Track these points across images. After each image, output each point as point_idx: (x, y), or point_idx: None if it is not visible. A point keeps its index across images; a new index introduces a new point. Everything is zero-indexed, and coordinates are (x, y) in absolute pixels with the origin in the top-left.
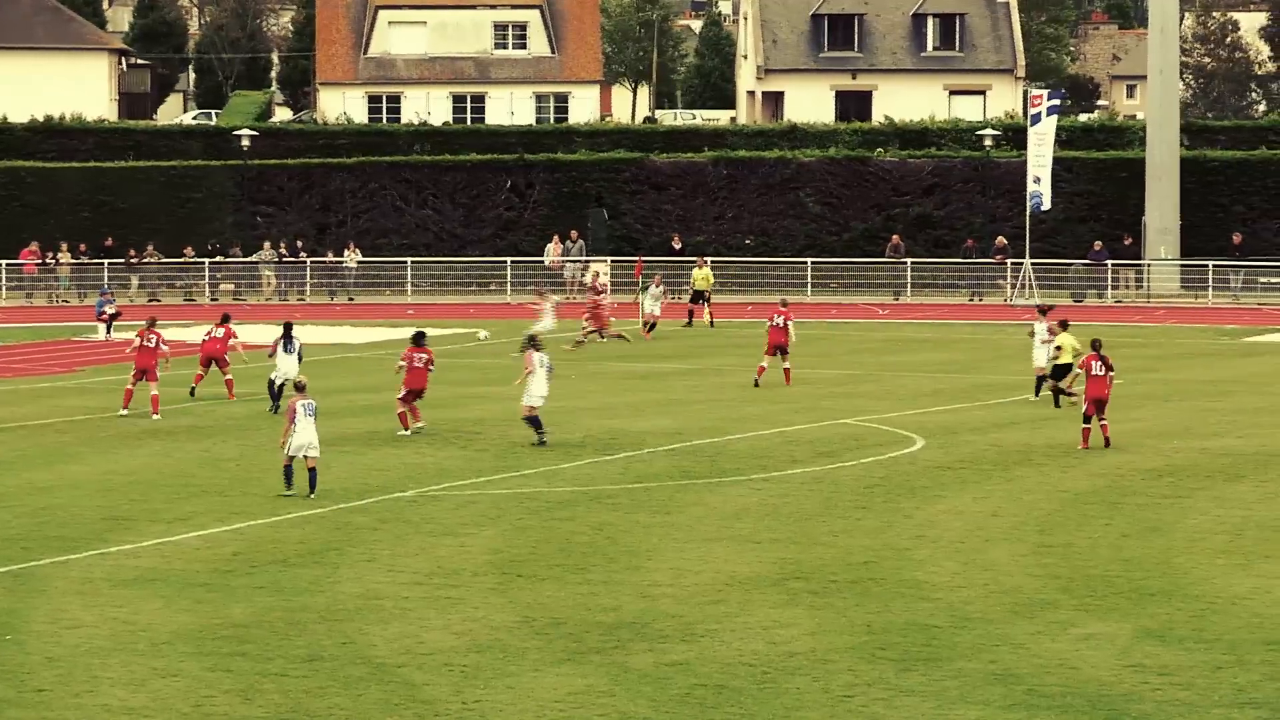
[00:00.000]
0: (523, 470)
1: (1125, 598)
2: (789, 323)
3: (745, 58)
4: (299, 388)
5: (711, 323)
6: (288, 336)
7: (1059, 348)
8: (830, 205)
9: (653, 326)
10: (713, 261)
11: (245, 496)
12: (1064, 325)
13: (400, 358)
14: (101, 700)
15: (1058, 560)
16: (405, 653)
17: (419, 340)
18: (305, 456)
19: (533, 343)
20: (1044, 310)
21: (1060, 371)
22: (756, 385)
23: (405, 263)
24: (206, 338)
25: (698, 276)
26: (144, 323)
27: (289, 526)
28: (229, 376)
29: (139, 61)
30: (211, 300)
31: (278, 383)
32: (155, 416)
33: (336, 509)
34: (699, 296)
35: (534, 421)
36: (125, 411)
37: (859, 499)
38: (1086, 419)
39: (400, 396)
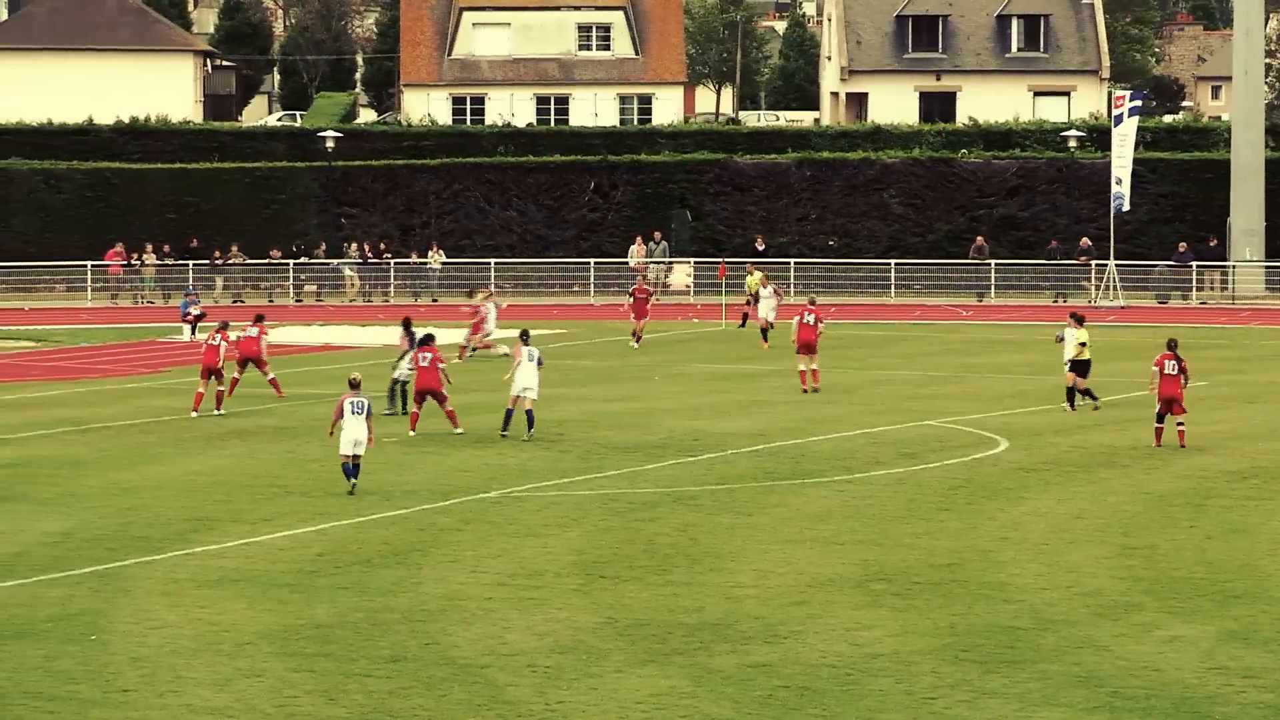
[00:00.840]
0: (606, 471)
1: (1209, 600)
2: (820, 322)
3: (829, 59)
4: (353, 385)
5: (743, 323)
6: (410, 333)
7: (1083, 344)
8: (914, 206)
9: (766, 331)
10: (796, 263)
11: (329, 497)
12: (1080, 321)
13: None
14: (186, 700)
15: (1141, 562)
16: (488, 653)
17: (427, 341)
18: (353, 455)
19: (523, 336)
20: (1079, 319)
21: (1081, 368)
22: (806, 392)
23: (489, 264)
24: (242, 336)
25: (751, 283)
26: (215, 325)
27: (373, 527)
28: (271, 376)
29: (224, 63)
30: (296, 301)
31: (401, 380)
32: (218, 412)
33: (420, 510)
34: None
35: (508, 415)
36: (195, 414)
37: (942, 500)
38: (1159, 417)
39: (413, 397)
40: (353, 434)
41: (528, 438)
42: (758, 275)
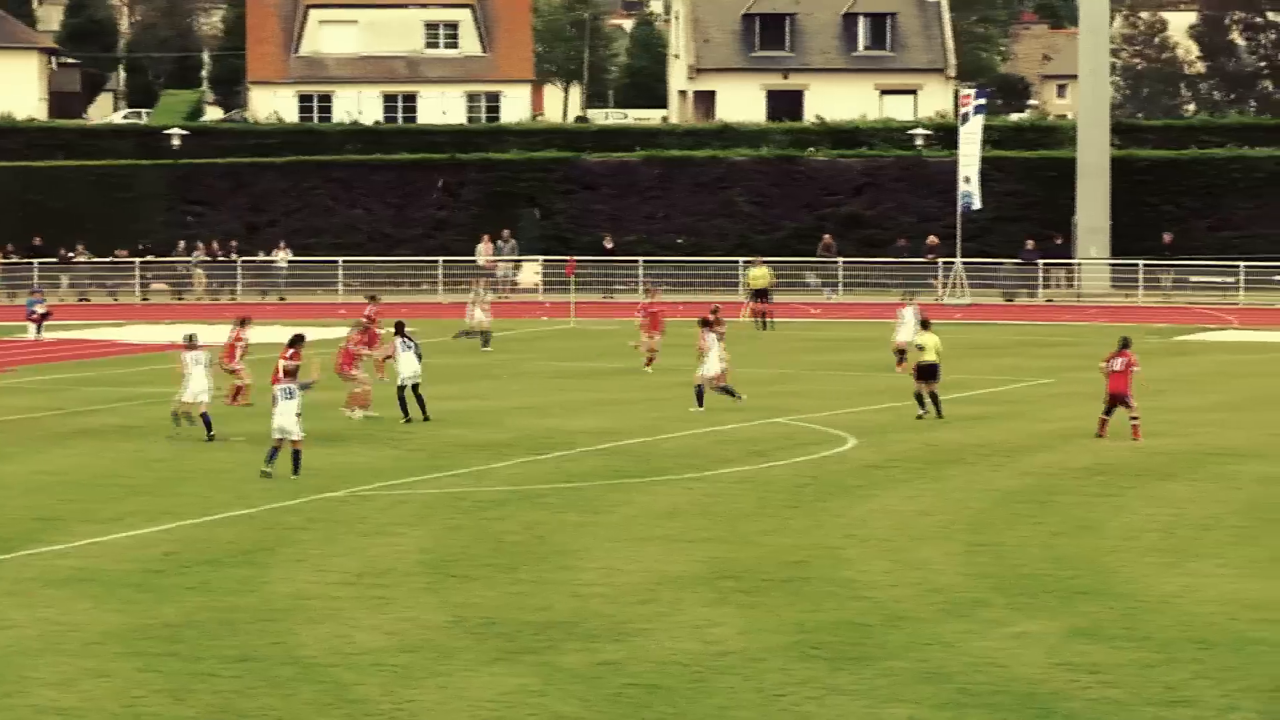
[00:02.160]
0: (454, 470)
1: (1055, 596)
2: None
3: (677, 57)
4: (288, 373)
5: (762, 323)
6: (403, 335)
7: (921, 347)
8: (761, 204)
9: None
10: (644, 261)
11: (176, 496)
12: (926, 325)
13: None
14: (31, 701)
15: (988, 559)
16: (336, 653)
17: (295, 343)
18: (289, 440)
19: (397, 328)
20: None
21: (930, 371)
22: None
23: (337, 262)
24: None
25: (755, 275)
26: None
27: (220, 526)
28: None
29: (69, 60)
30: (142, 300)
31: (406, 386)
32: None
33: (268, 509)
34: (761, 295)
35: (403, 402)
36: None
37: (790, 498)
38: (1107, 410)
39: None
40: (281, 420)
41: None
42: (761, 270)
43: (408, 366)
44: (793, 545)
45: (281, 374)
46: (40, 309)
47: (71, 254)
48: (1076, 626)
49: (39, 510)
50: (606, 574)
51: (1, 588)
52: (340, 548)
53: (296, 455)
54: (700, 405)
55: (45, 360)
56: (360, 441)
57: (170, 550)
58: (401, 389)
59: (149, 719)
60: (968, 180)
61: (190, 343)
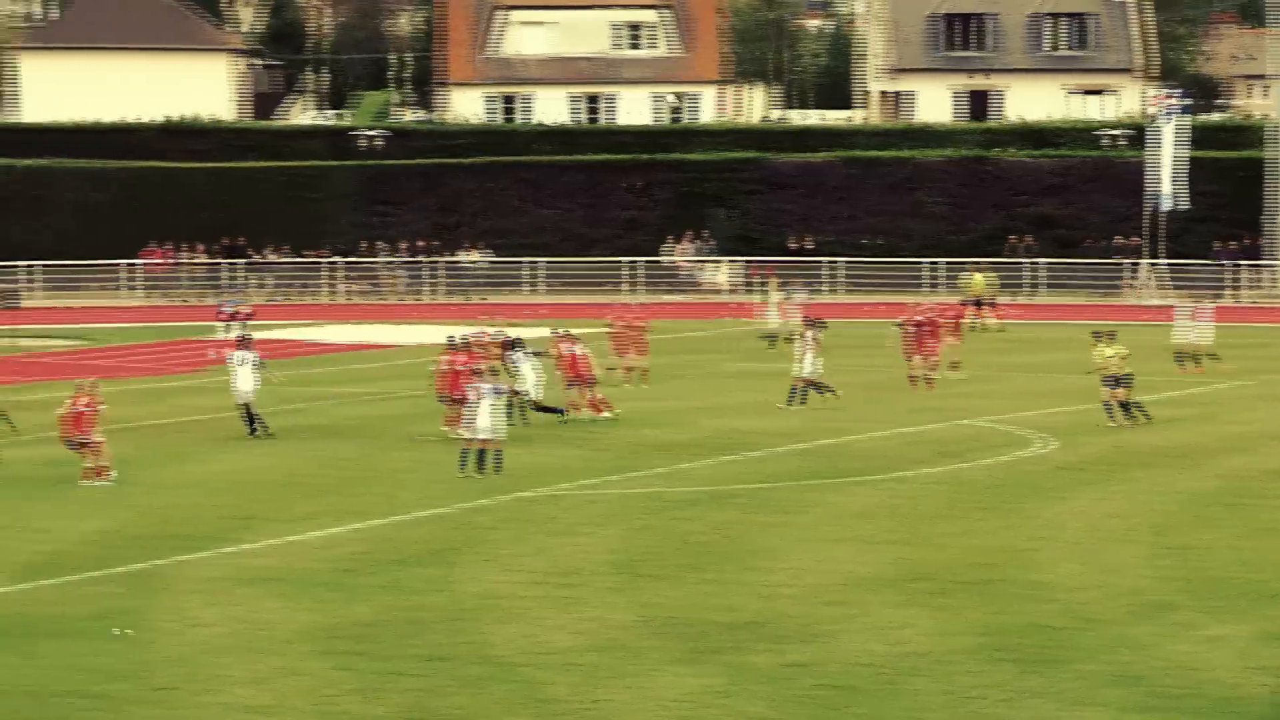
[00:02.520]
0: (644, 470)
1: (1246, 599)
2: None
3: (870, 57)
4: (480, 373)
5: (981, 326)
6: (517, 347)
7: (1114, 356)
8: (950, 205)
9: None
10: (829, 262)
11: (366, 496)
12: (1112, 336)
13: None
14: (224, 699)
15: (1178, 562)
16: (525, 652)
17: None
18: (493, 441)
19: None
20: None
21: (1123, 380)
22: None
23: (528, 262)
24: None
25: (973, 281)
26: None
27: (409, 526)
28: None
29: (264, 62)
30: (336, 300)
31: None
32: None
33: (458, 508)
34: (978, 302)
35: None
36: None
37: (981, 500)
38: None
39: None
40: (484, 421)
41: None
42: (980, 276)
43: (528, 379)
44: (982, 547)
45: (478, 374)
46: (231, 309)
47: (264, 254)
48: (1268, 630)
49: (231, 510)
50: (795, 575)
51: (194, 587)
52: (530, 547)
53: (498, 455)
54: (795, 404)
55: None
56: (550, 442)
57: (361, 549)
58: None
59: (341, 717)
60: (1160, 181)
61: (242, 343)
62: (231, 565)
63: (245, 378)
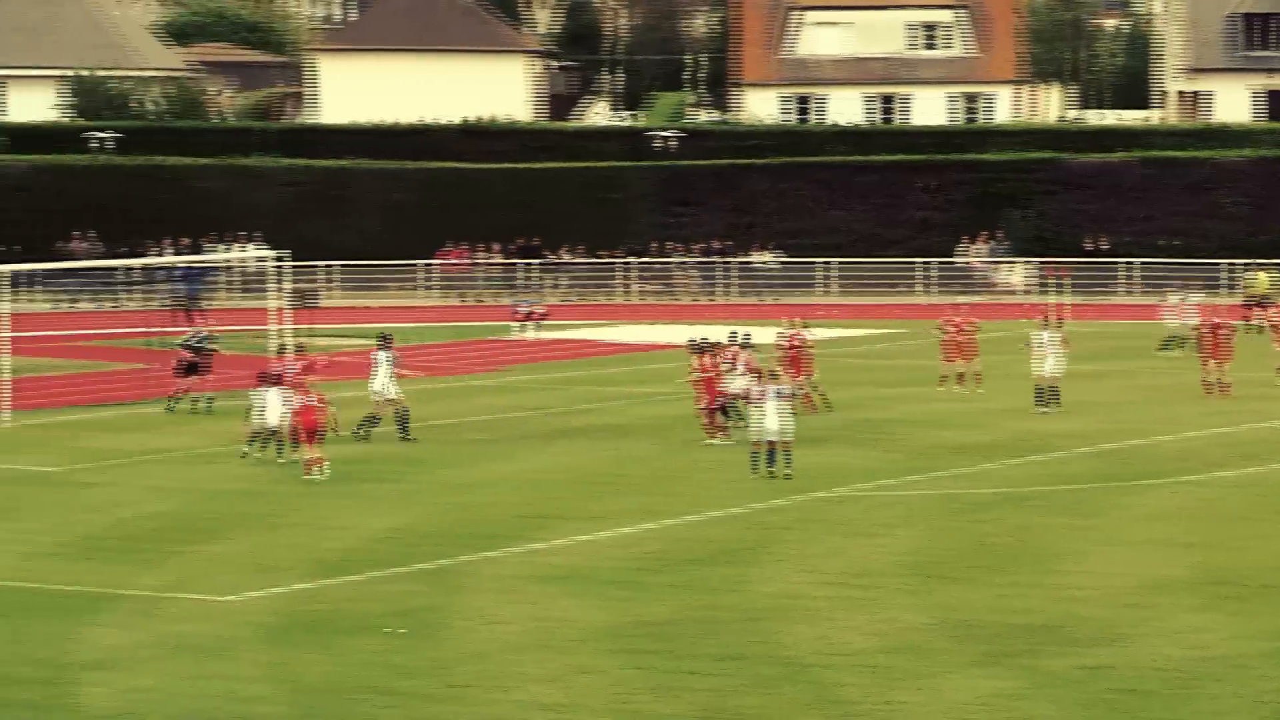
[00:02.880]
0: (941, 471)
1: None
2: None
3: (1167, 56)
4: (773, 375)
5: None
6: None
7: None
8: (1250, 206)
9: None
10: (1125, 263)
11: (662, 495)
12: None
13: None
14: (519, 696)
15: None
16: (819, 653)
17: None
18: (781, 440)
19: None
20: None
21: None
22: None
23: (822, 263)
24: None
25: (1256, 281)
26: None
27: (706, 526)
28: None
29: (561, 63)
30: (631, 300)
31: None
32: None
33: (753, 508)
34: (1261, 302)
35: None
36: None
37: None
38: None
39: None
40: (773, 423)
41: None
42: (1264, 275)
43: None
44: None
45: (771, 375)
46: (527, 309)
47: (561, 255)
48: None
49: (529, 508)
50: (1094, 578)
51: (492, 585)
52: (825, 548)
53: (788, 456)
54: (1043, 406)
55: (535, 360)
56: (846, 443)
57: (657, 549)
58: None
59: (636, 716)
60: None
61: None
62: (528, 563)
63: (380, 379)
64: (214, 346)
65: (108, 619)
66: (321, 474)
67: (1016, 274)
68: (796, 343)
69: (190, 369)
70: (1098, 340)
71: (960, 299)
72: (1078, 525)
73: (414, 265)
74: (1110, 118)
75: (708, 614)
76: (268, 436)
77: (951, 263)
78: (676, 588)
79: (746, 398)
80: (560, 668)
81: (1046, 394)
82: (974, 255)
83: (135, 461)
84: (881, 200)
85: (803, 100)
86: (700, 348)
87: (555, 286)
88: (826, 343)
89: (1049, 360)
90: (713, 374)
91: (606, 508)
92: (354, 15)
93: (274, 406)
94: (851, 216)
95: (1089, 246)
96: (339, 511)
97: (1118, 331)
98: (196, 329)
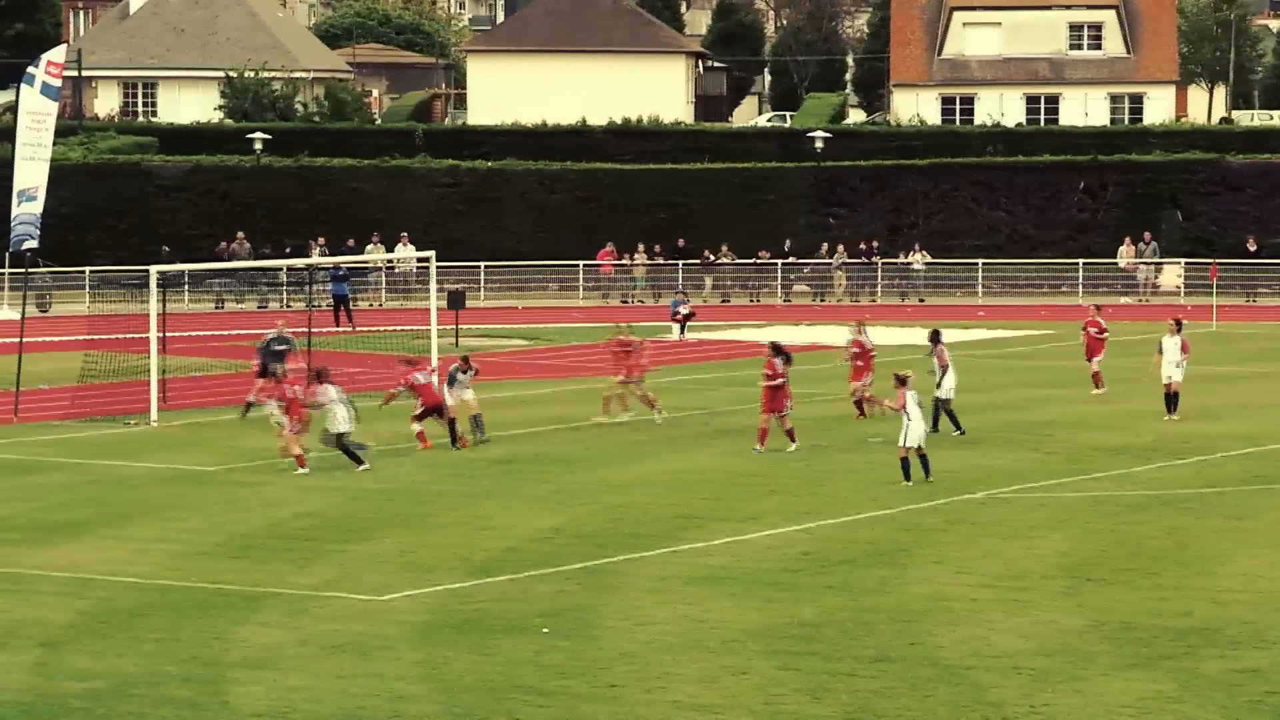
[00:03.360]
0: (1093, 473)
1: None
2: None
3: None
4: (902, 380)
5: None
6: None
7: None
8: None
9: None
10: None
11: (814, 496)
12: None
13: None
14: (673, 696)
15: None
16: (973, 655)
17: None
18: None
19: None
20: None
21: None
22: None
23: (976, 264)
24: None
25: None
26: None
27: (859, 527)
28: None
29: (715, 64)
30: (783, 301)
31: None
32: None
33: (906, 510)
34: None
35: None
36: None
37: None
38: None
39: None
40: (919, 429)
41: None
42: None
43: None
44: None
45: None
46: (684, 309)
47: (715, 255)
48: None
49: (681, 509)
50: (1249, 580)
51: (645, 585)
52: (978, 550)
53: (924, 460)
54: (1171, 412)
55: (688, 360)
56: (998, 444)
57: (809, 549)
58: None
59: (788, 717)
60: None
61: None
62: (681, 563)
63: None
64: (284, 348)
65: (261, 618)
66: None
67: (1174, 275)
68: (856, 349)
69: (263, 372)
70: (1249, 342)
71: (1120, 300)
72: (1230, 527)
73: (568, 266)
74: (1270, 118)
75: (860, 615)
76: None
77: (1108, 263)
78: (829, 588)
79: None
80: (712, 668)
81: (1171, 400)
82: (1131, 256)
83: (289, 461)
84: (1038, 201)
85: (962, 101)
86: (777, 349)
87: (714, 287)
88: (980, 344)
89: (1172, 366)
90: (783, 379)
91: (758, 508)
92: (500, 16)
93: (340, 415)
94: (1009, 218)
95: (1252, 248)
96: (492, 511)
97: (1268, 333)
98: (278, 331)
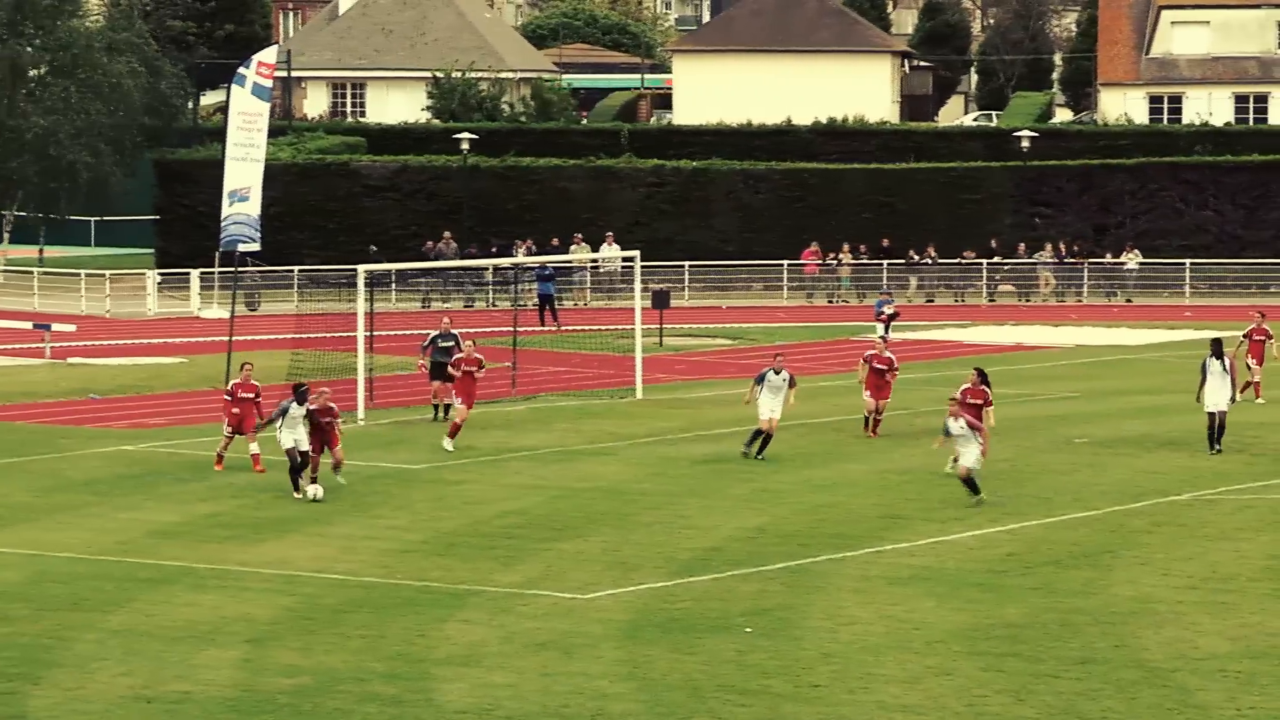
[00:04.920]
0: None
1: None
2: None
3: None
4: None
5: None
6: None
7: None
8: None
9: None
10: None
11: (1019, 497)
12: None
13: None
14: (876, 697)
15: None
16: (1179, 657)
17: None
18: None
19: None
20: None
21: None
22: None
23: (1184, 264)
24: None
25: None
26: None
27: (1063, 528)
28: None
29: (921, 64)
30: (989, 301)
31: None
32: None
33: (1111, 511)
34: None
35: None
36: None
37: None
38: None
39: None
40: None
41: None
42: None
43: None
44: None
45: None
46: (888, 310)
47: (919, 255)
48: None
49: (885, 509)
50: None
51: (848, 585)
52: (1184, 552)
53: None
54: None
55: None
56: (1204, 446)
57: (1013, 550)
58: None
59: (991, 718)
60: None
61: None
62: (884, 564)
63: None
64: (449, 344)
65: (465, 615)
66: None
67: None
68: (880, 364)
69: (436, 373)
70: None
71: None
72: None
73: (773, 265)
74: None
75: (1064, 616)
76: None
77: None
78: (1033, 589)
79: None
80: (916, 669)
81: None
82: None
83: (494, 459)
84: (1247, 201)
85: (1170, 100)
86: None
87: (920, 287)
88: (1187, 345)
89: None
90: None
91: (962, 509)
92: (706, 16)
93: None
94: (1217, 218)
95: None
96: (696, 510)
97: None
98: (445, 329)
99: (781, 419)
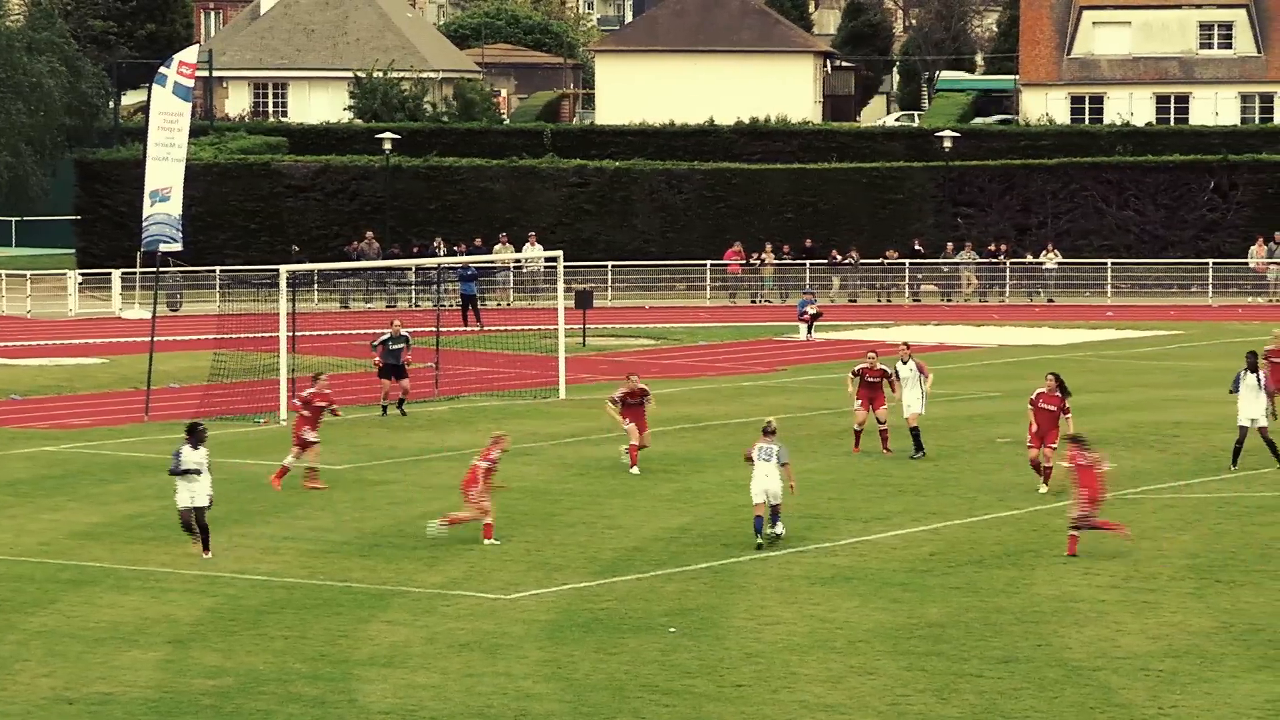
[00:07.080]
0: (1221, 474)
1: None
2: None
3: None
4: (766, 431)
5: None
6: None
7: None
8: None
9: None
10: None
11: (940, 496)
12: None
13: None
14: (799, 696)
15: None
16: (1101, 656)
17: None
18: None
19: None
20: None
21: None
22: None
23: (1105, 264)
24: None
25: None
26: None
27: (985, 528)
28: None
29: (843, 64)
30: (913, 302)
31: None
32: None
33: (1033, 510)
34: None
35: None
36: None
37: None
38: None
39: None
40: (765, 484)
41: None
42: None
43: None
44: None
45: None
46: (811, 309)
47: (842, 255)
48: None
49: (806, 508)
50: None
51: (771, 585)
52: (1106, 551)
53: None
54: None
55: (815, 360)
56: (1125, 445)
57: (935, 550)
58: None
59: (914, 718)
60: None
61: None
62: (806, 563)
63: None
64: (400, 346)
65: (388, 616)
66: None
67: None
68: (872, 377)
69: (386, 372)
70: None
71: (1248, 301)
72: None
73: (695, 265)
74: None
75: (987, 615)
76: None
77: (1239, 263)
78: (955, 589)
79: None
80: (839, 669)
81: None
82: (1263, 256)
83: (417, 459)
84: (1168, 201)
85: (1091, 100)
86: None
87: (843, 287)
88: (1108, 344)
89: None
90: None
91: (884, 508)
92: (629, 16)
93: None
94: (1137, 218)
95: None
96: (619, 511)
97: None
98: (394, 330)
99: (710, 419)
